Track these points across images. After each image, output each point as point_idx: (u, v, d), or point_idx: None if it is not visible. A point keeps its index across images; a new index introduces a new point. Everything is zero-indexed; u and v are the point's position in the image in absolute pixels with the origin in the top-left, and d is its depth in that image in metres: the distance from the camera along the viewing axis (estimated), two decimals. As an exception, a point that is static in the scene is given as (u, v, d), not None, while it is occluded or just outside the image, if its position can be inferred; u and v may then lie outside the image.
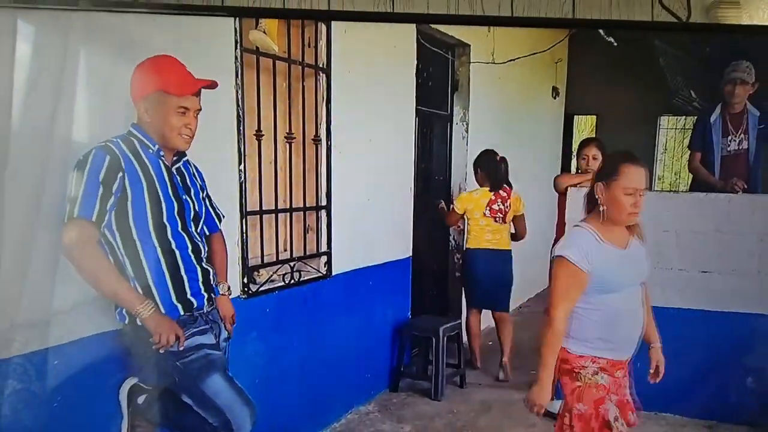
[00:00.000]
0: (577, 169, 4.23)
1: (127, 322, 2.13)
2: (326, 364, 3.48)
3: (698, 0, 2.65)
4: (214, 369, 2.23)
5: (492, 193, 4.37)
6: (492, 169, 4.43)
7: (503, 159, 4.45)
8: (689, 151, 4.36)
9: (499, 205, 4.39)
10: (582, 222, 2.35)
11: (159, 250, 2.16)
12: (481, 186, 4.41)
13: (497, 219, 4.40)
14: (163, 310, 2.15)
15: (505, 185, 4.42)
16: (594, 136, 9.60)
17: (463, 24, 3.97)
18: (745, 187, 3.94)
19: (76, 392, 2.12)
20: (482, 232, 4.42)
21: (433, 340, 4.02)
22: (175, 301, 2.20)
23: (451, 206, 4.50)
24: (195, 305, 2.24)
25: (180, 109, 2.16)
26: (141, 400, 2.22)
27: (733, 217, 3.63)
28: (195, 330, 2.24)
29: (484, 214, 4.37)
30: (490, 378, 4.44)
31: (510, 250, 4.52)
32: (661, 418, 3.80)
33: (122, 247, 2.10)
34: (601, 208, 2.32)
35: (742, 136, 4.11)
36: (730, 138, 4.12)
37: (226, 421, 2.18)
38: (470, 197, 4.43)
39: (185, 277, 2.22)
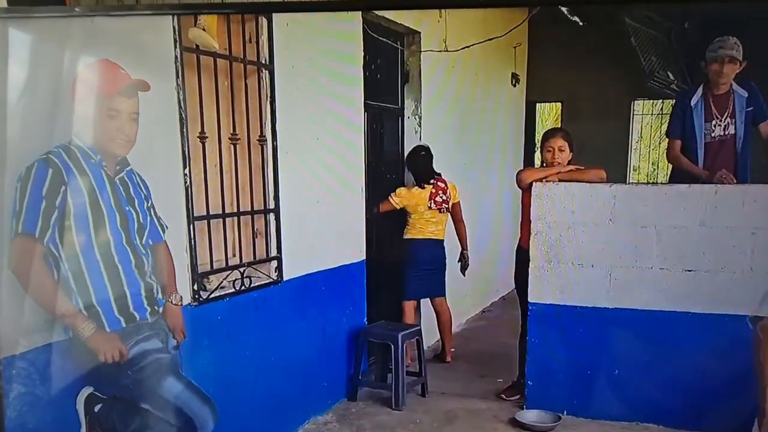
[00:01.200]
0: (542, 162, 4.31)
1: (71, 335, 2.38)
2: (281, 373, 3.78)
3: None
4: (167, 371, 2.51)
5: (430, 187, 4.89)
6: (415, 165, 4.97)
7: (427, 152, 4.96)
8: (667, 139, 4.40)
9: (441, 197, 4.93)
10: None
11: (102, 264, 2.39)
12: (415, 184, 4.91)
13: (441, 210, 4.94)
14: (105, 324, 2.40)
15: (435, 177, 4.94)
16: (559, 125, 9.91)
17: (422, 7, 4.18)
18: (734, 180, 3.97)
19: (34, 401, 2.39)
20: (427, 224, 4.96)
21: (392, 347, 4.32)
22: (117, 315, 2.44)
23: (390, 197, 4.90)
24: (138, 318, 2.50)
25: (111, 112, 2.39)
26: (98, 408, 2.50)
27: (720, 210, 3.74)
28: (139, 338, 2.49)
29: (429, 207, 4.91)
30: (454, 386, 4.74)
31: (443, 240, 5.07)
32: (643, 428, 4.01)
33: (65, 261, 2.33)
34: None
35: (728, 120, 4.14)
36: (714, 123, 4.16)
37: (188, 420, 2.47)
38: (410, 193, 4.92)
39: (128, 292, 2.46)
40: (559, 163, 4.16)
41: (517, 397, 4.39)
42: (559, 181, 4.10)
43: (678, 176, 4.34)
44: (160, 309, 2.64)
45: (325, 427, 4.07)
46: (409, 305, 5.04)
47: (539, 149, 4.34)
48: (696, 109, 4.19)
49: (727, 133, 4.17)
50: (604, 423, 4.08)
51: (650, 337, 3.92)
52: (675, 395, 3.89)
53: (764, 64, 4.23)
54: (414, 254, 5.01)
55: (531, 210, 4.10)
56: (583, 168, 4.21)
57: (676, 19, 7.94)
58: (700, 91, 4.22)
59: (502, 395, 4.48)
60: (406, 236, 5.03)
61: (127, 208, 2.50)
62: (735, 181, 3.98)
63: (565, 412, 4.16)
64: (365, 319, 4.63)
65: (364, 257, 4.58)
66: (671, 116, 4.43)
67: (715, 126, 4.17)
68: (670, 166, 4.54)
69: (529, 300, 4.15)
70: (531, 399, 4.23)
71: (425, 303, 5.31)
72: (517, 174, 4.27)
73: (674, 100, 5.04)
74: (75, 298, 2.37)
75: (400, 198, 4.90)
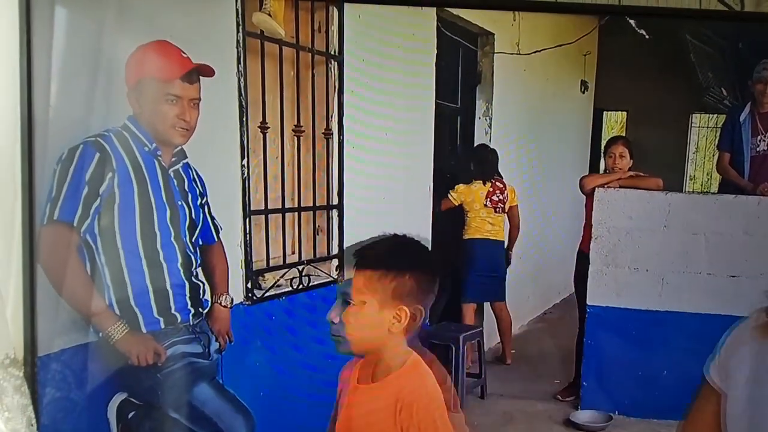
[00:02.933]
0: (605, 168, 4.18)
1: (101, 335, 1.97)
2: (338, 375, 3.31)
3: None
4: (200, 377, 2.08)
5: (489, 185, 4.52)
6: (479, 160, 4.59)
7: (493, 151, 4.61)
8: (718, 152, 4.33)
9: (498, 196, 4.54)
10: None
11: (144, 261, 1.98)
12: (475, 179, 4.52)
13: (497, 209, 4.56)
14: (142, 325, 1.98)
15: (496, 177, 4.57)
16: (623, 133, 9.51)
17: (494, 8, 3.90)
18: None
19: (68, 407, 1.98)
20: (483, 223, 4.57)
21: (453, 348, 3.88)
22: (156, 315, 2.03)
23: (449, 194, 4.51)
24: (179, 320, 2.07)
25: (169, 97, 1.97)
26: (131, 415, 2.06)
27: (763, 219, 3.62)
28: (177, 339, 2.08)
29: (485, 204, 4.52)
30: (513, 388, 4.32)
31: (504, 241, 4.70)
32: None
33: (102, 254, 1.92)
34: None
35: None
36: (759, 138, 4.09)
37: (218, 431, 2.02)
38: (469, 189, 4.52)
39: (170, 292, 2.05)
40: (620, 168, 4.01)
41: (573, 398, 4.10)
42: (620, 187, 3.97)
43: (726, 187, 4.30)
44: (205, 311, 2.19)
45: (381, 431, 3.61)
46: (468, 307, 4.61)
47: (603, 155, 4.21)
48: (744, 125, 4.11)
49: None
50: (652, 422, 3.84)
51: (697, 339, 3.66)
52: None
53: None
54: (472, 255, 4.62)
55: (592, 214, 3.92)
56: (643, 175, 4.11)
57: (730, 38, 7.63)
58: (748, 108, 4.14)
59: (558, 396, 4.16)
60: (465, 236, 4.62)
61: (179, 203, 2.08)
62: None
63: (616, 412, 3.94)
64: (428, 320, 4.13)
65: (430, 257, 4.08)
66: (722, 130, 4.42)
67: (760, 141, 4.10)
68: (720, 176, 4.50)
69: (587, 302, 3.94)
70: (585, 400, 4.00)
71: (486, 304, 4.84)
72: (581, 179, 4.07)
73: (725, 116, 5.01)
74: (109, 294, 1.94)
75: (457, 194, 4.50)
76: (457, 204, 4.53)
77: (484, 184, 4.52)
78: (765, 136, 4.06)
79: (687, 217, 3.75)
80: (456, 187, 4.53)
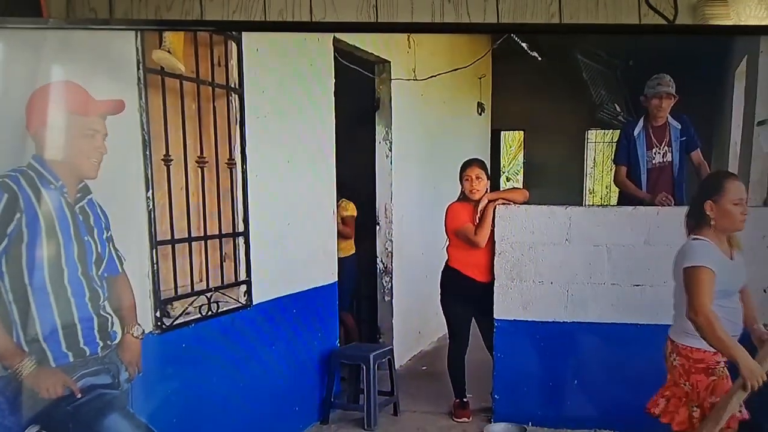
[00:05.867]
0: (461, 192, 4.20)
1: (9, 371, 2.04)
2: (251, 399, 3.43)
3: (685, -1, 2.79)
4: (110, 408, 2.17)
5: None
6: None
7: None
8: (614, 166, 4.45)
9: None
10: (698, 236, 2.84)
11: (52, 296, 2.07)
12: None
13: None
14: (51, 359, 2.07)
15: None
16: (521, 152, 9.86)
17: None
18: (672, 202, 4.05)
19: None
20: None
21: (364, 367, 4.01)
22: (65, 350, 2.12)
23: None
24: (88, 353, 2.17)
25: (89, 132, 2.11)
26: (46, 448, 2.14)
27: (662, 229, 3.73)
28: (85, 372, 2.17)
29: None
30: (424, 404, 4.44)
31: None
32: None
33: (10, 292, 2.01)
34: (711, 223, 2.82)
35: (666, 148, 4.26)
36: (654, 151, 4.27)
37: None
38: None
39: (78, 326, 2.14)
40: (477, 191, 4.06)
41: (467, 418, 4.21)
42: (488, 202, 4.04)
43: (625, 199, 4.40)
44: (114, 342, 2.28)
45: (297, 452, 3.73)
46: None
47: (459, 180, 4.19)
48: (639, 139, 4.28)
49: (665, 160, 4.27)
50: (566, 431, 3.95)
51: (604, 348, 3.87)
52: (628, 402, 3.69)
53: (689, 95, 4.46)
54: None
55: (495, 231, 4.01)
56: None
57: (621, 56, 7.97)
58: (641, 123, 4.32)
59: (454, 418, 4.24)
60: None
61: (86, 238, 2.18)
62: (673, 203, 4.07)
63: (530, 423, 4.03)
64: (337, 342, 4.30)
65: (336, 279, 4.25)
66: (617, 145, 4.55)
67: (655, 154, 4.27)
68: (618, 189, 4.63)
69: (494, 317, 4.02)
70: (498, 412, 4.08)
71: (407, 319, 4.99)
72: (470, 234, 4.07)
73: (619, 131, 5.19)
74: (17, 331, 2.01)
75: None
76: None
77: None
78: (660, 149, 4.25)
79: (588, 230, 3.83)
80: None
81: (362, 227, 4.87)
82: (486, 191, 4.07)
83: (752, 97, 5.04)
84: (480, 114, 7.34)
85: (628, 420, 3.84)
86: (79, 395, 2.10)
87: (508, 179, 15.74)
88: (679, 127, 4.26)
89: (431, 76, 5.26)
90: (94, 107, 2.12)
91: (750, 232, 3.61)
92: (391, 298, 5.12)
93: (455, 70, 5.52)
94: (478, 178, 4.06)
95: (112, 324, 2.29)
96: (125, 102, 2.24)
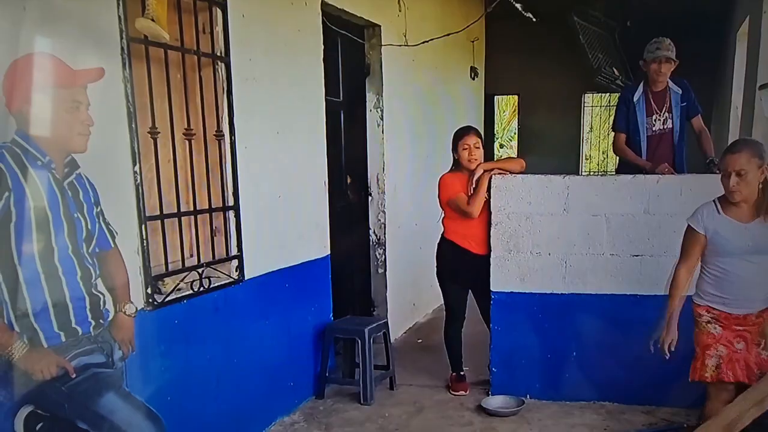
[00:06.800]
0: (456, 161, 4.12)
1: (1, 355, 2.00)
2: (245, 375, 3.45)
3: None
4: (106, 387, 2.13)
5: None
6: None
7: None
8: (614, 133, 4.44)
9: None
10: (716, 198, 2.96)
11: (43, 276, 2.03)
12: None
13: None
14: (43, 339, 2.05)
15: None
16: (516, 116, 9.79)
17: None
18: (674, 172, 4.04)
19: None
20: None
21: (359, 341, 4.03)
22: (56, 330, 2.08)
23: None
24: (80, 332, 2.14)
25: (72, 104, 2.05)
26: (39, 427, 2.15)
27: (662, 198, 3.74)
28: (78, 351, 2.14)
29: None
30: (421, 377, 4.50)
31: None
32: (600, 406, 3.95)
33: (0, 272, 1.98)
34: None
35: (666, 114, 4.23)
36: (654, 117, 4.24)
37: None
38: None
39: (70, 306, 2.10)
40: (476, 159, 4.01)
41: (465, 392, 4.26)
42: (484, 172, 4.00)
43: (624, 167, 4.39)
44: (107, 321, 2.28)
45: (293, 428, 3.75)
46: None
47: (454, 149, 4.11)
48: (638, 105, 4.24)
49: (665, 126, 4.26)
50: (564, 404, 4.02)
51: (603, 320, 3.90)
52: (627, 373, 3.88)
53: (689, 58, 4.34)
54: None
55: (492, 202, 3.99)
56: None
57: (619, 18, 8.10)
58: (641, 88, 4.29)
59: (451, 391, 4.29)
60: None
61: (75, 215, 2.12)
62: (674, 173, 4.05)
63: (528, 396, 4.10)
64: (331, 315, 4.32)
65: (329, 252, 4.26)
66: (616, 111, 4.51)
67: (655, 120, 4.25)
68: (617, 157, 4.62)
69: (491, 289, 4.04)
70: (496, 385, 4.14)
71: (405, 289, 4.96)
72: (461, 203, 4.00)
73: (618, 95, 4.98)
74: (7, 311, 2.00)
75: None
76: None
77: None
78: (660, 115, 4.22)
79: (587, 200, 3.83)
80: None
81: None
82: (481, 160, 4.04)
83: (754, 60, 5.02)
84: (473, 78, 7.33)
85: (627, 392, 3.94)
86: (74, 375, 2.09)
87: (501, 146, 15.77)
88: (680, 92, 4.22)
89: (423, 42, 5.18)
90: (73, 78, 2.07)
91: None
92: (385, 270, 5.15)
93: (448, 35, 5.41)
94: (476, 147, 4.02)
95: (105, 302, 2.26)
96: (105, 70, 2.17)
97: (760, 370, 2.88)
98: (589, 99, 9.75)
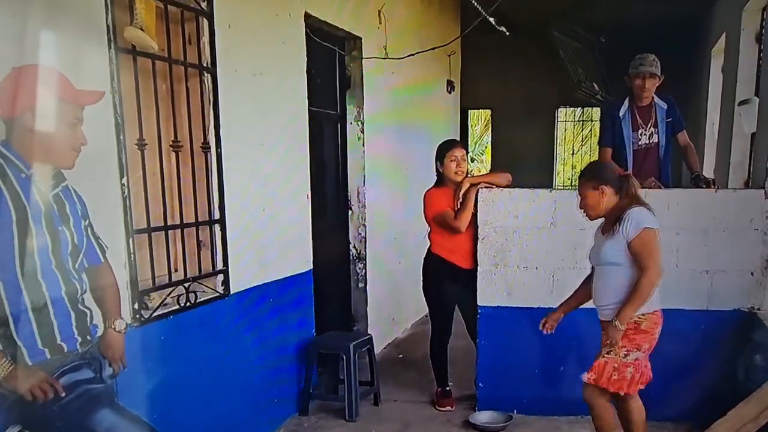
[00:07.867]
0: (440, 173, 4.14)
1: None
2: (230, 390, 3.43)
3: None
4: (100, 403, 2.11)
5: None
6: None
7: None
8: (599, 148, 4.49)
9: None
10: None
11: (25, 292, 1.97)
12: None
13: None
14: (26, 357, 1.99)
15: None
16: (489, 131, 9.85)
17: None
18: (661, 186, 4.10)
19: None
20: None
21: (344, 357, 4.02)
22: (41, 347, 2.03)
23: None
24: (65, 349, 2.09)
25: (73, 121, 2.03)
26: (28, 448, 2.10)
27: None
28: (66, 368, 2.09)
29: None
30: (405, 393, 4.51)
31: None
32: (587, 420, 3.77)
33: None
34: None
35: (652, 129, 4.31)
36: (640, 132, 4.32)
37: None
38: None
39: (55, 322, 2.05)
40: (462, 172, 4.05)
41: (451, 407, 4.28)
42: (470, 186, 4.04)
43: None
44: (95, 338, 2.24)
45: (277, 445, 3.75)
46: None
47: (440, 161, 4.12)
48: (624, 120, 4.31)
49: (651, 141, 4.33)
50: (552, 418, 4.04)
51: (589, 334, 3.74)
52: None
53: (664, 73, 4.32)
54: None
55: (479, 216, 4.02)
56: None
57: (597, 33, 8.23)
58: (626, 103, 4.35)
59: (437, 407, 4.31)
60: None
61: (60, 229, 2.08)
62: (662, 187, 4.11)
63: (515, 411, 4.10)
64: (314, 330, 4.31)
65: (311, 267, 4.25)
66: (601, 127, 4.59)
67: (641, 135, 4.31)
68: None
69: (478, 303, 4.07)
70: (483, 400, 4.15)
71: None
72: (449, 219, 4.03)
73: (601, 111, 5.15)
74: None
75: None
76: None
77: None
78: (646, 130, 4.29)
79: (574, 213, 3.72)
80: None
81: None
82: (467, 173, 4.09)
83: (732, 76, 5.14)
84: (450, 92, 7.40)
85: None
86: (63, 394, 2.05)
87: (473, 159, 15.86)
88: (665, 107, 4.31)
89: (408, 55, 5.19)
90: (75, 97, 2.05)
91: (739, 213, 3.71)
92: (365, 284, 5.15)
93: (432, 49, 5.43)
94: (463, 158, 4.07)
95: (92, 318, 2.21)
96: (94, 80, 2.16)
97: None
98: (562, 114, 9.86)
